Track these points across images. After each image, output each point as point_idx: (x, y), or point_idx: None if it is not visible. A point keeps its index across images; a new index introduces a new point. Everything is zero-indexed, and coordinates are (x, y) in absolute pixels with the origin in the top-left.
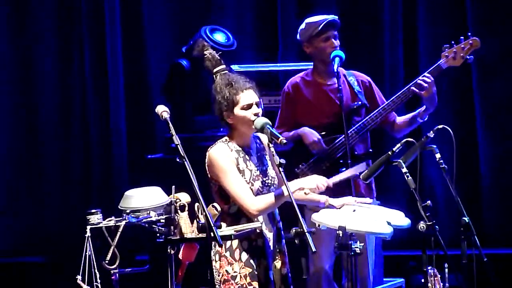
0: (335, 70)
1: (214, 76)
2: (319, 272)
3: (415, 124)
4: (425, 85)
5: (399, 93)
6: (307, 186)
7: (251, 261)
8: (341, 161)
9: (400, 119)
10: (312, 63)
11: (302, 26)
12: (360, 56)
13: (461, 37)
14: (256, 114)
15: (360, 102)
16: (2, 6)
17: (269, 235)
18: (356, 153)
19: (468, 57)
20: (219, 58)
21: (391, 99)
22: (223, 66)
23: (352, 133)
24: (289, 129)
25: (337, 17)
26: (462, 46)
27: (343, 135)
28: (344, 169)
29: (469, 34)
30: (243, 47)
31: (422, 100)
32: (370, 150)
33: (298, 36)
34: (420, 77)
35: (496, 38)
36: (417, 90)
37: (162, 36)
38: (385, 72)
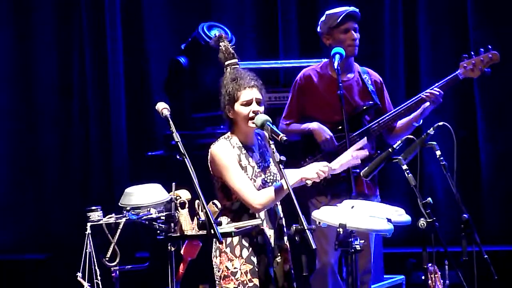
0: (335, 67)
1: (224, 68)
2: (325, 267)
3: (411, 128)
4: (433, 96)
5: (408, 102)
6: (308, 176)
7: (252, 257)
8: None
9: (398, 124)
10: (315, 59)
11: (323, 18)
12: (360, 54)
13: (481, 49)
14: (255, 112)
15: (372, 102)
16: (2, 6)
17: (270, 232)
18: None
19: (486, 70)
20: (232, 51)
21: (401, 107)
22: (235, 60)
23: (356, 137)
24: (297, 120)
25: (357, 9)
26: (482, 59)
27: (352, 134)
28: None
29: (490, 47)
30: (243, 44)
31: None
32: (379, 152)
33: (318, 29)
34: (431, 89)
35: (497, 34)
36: (427, 101)
37: (163, 33)
38: (386, 74)
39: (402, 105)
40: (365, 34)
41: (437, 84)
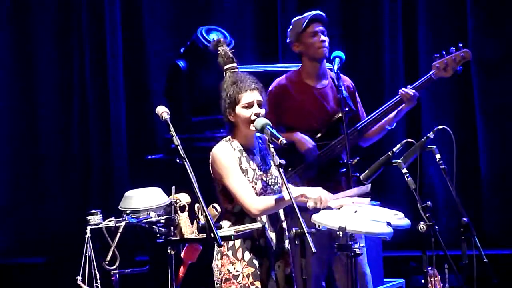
0: (335, 71)
1: (224, 73)
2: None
3: (384, 132)
4: (409, 96)
5: (387, 105)
6: (310, 195)
7: (254, 260)
8: (341, 161)
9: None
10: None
11: (290, 26)
12: (360, 56)
13: (451, 48)
14: (257, 114)
15: (347, 108)
16: (2, 6)
17: (271, 235)
18: (340, 161)
19: (458, 68)
20: (231, 56)
21: (379, 110)
22: (234, 64)
23: (337, 144)
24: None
25: (323, 13)
26: (454, 57)
27: (332, 142)
28: (344, 169)
29: (460, 45)
30: (243, 48)
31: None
32: (357, 158)
33: (287, 39)
34: (406, 89)
35: (497, 38)
36: (403, 102)
37: (163, 37)
38: (385, 72)
39: (381, 108)
40: (365, 40)
41: (412, 86)
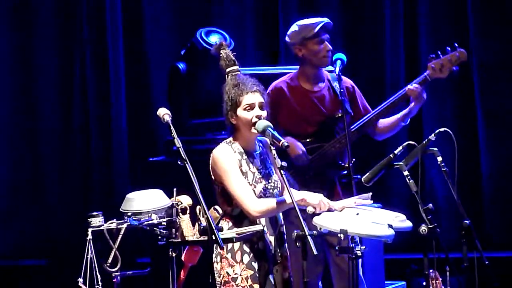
0: (337, 73)
1: (226, 76)
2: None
3: (398, 127)
4: (416, 94)
5: (389, 101)
6: (311, 200)
7: (253, 263)
8: (341, 163)
9: (381, 123)
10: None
11: (294, 28)
12: (361, 56)
13: (447, 48)
14: (259, 116)
15: (341, 111)
16: (2, 6)
17: (270, 239)
18: (340, 163)
19: (454, 68)
20: (233, 58)
21: (382, 105)
22: (236, 67)
23: (335, 143)
24: None
25: (331, 22)
26: (449, 58)
27: (326, 144)
28: (344, 172)
29: (456, 44)
30: (244, 50)
31: (409, 102)
32: (353, 159)
33: (288, 39)
34: (409, 86)
35: (498, 41)
36: (407, 99)
37: (164, 39)
38: (386, 71)
39: (380, 106)
40: (366, 39)
41: (410, 84)
